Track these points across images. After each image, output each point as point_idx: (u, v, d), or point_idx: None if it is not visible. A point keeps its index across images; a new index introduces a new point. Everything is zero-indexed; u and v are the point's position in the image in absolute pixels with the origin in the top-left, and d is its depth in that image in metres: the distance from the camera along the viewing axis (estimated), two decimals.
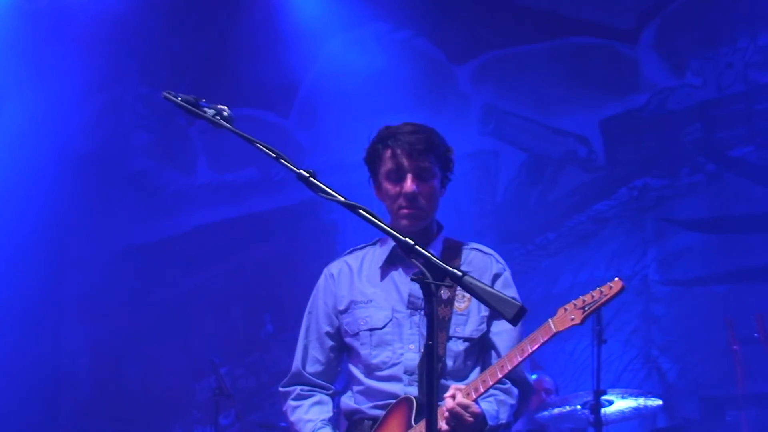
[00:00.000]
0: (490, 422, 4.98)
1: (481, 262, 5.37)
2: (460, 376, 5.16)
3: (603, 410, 8.06)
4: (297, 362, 5.52)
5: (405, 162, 5.27)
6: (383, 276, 5.41)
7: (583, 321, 4.87)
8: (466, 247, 5.45)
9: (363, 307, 5.35)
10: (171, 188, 12.52)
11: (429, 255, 4.11)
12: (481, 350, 5.23)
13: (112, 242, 12.56)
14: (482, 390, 4.88)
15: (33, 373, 11.98)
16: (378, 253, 5.52)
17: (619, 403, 8.36)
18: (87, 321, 12.55)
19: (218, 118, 4.58)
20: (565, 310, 4.90)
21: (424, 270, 4.08)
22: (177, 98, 4.60)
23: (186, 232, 12.41)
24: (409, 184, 5.24)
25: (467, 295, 5.07)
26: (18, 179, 11.52)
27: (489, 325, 5.24)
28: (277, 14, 11.72)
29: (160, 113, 12.31)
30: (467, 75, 11.66)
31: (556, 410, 8.63)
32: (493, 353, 5.22)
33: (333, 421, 5.36)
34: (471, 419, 4.84)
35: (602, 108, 11.12)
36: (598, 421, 8.03)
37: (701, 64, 10.84)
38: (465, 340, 5.19)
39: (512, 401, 5.14)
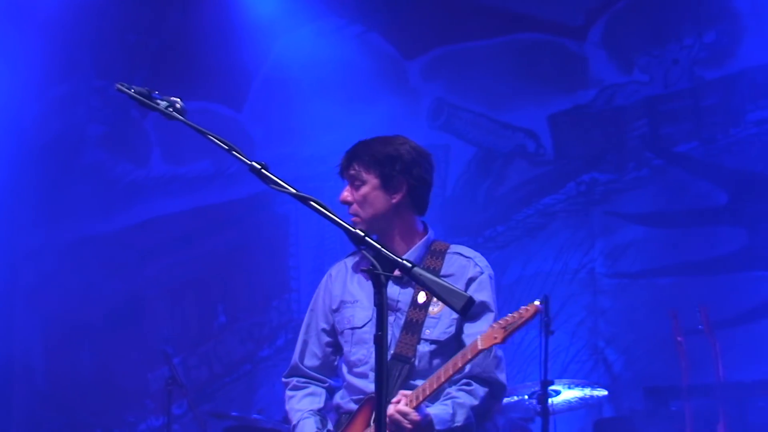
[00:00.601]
0: (438, 426, 5.04)
1: (460, 266, 5.41)
2: (428, 376, 5.15)
3: (550, 400, 8.09)
4: (296, 356, 5.66)
5: (342, 176, 5.44)
6: (369, 277, 5.36)
7: (503, 340, 4.94)
8: (450, 251, 5.49)
9: (350, 307, 5.46)
10: (125, 180, 12.47)
11: (378, 247, 4.13)
12: (453, 351, 5.20)
13: (66, 233, 12.49)
14: (421, 399, 4.96)
15: None
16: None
17: (565, 394, 8.40)
18: (40, 311, 12.49)
19: (171, 110, 4.57)
20: (492, 327, 4.96)
21: (374, 261, 4.09)
22: (130, 90, 4.59)
23: (139, 224, 12.37)
24: (341, 195, 5.42)
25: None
26: None
27: (461, 328, 5.28)
28: (230, 8, 11.70)
29: (115, 106, 12.27)
30: (418, 70, 11.67)
31: (505, 400, 8.65)
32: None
33: (323, 412, 5.50)
34: (410, 426, 4.92)
35: (551, 103, 11.15)
36: (545, 411, 8.05)
37: (648, 61, 10.88)
38: (432, 342, 5.23)
39: (474, 402, 5.16)
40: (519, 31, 11.36)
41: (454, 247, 5.50)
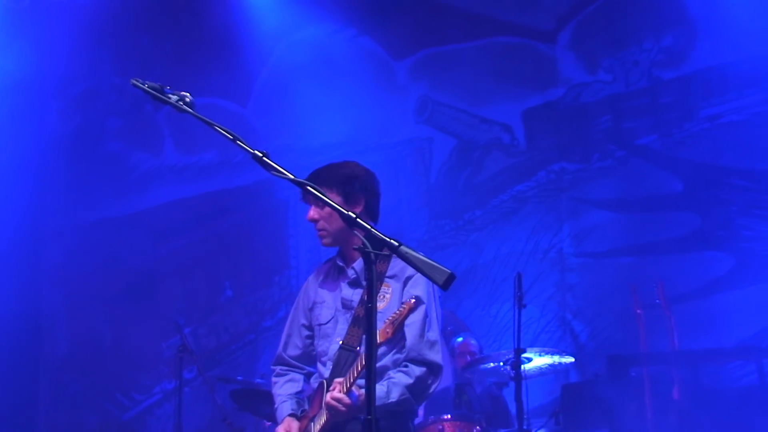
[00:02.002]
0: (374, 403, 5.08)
1: (401, 267, 5.47)
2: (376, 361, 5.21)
3: (523, 366, 8.07)
4: (280, 347, 5.86)
5: (304, 200, 5.56)
6: (334, 282, 5.67)
7: (393, 334, 5.09)
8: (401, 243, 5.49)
9: (319, 306, 5.67)
10: (140, 168, 12.45)
11: (369, 227, 4.13)
12: (396, 339, 5.31)
13: (87, 215, 12.49)
14: (351, 382, 5.11)
15: (15, 332, 11.91)
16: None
17: (536, 361, 8.38)
18: (64, 285, 12.48)
19: (181, 103, 4.56)
20: (385, 323, 5.09)
21: (365, 240, 4.08)
22: (144, 85, 4.58)
23: (153, 207, 12.35)
24: (308, 215, 5.58)
25: (386, 296, 5.34)
26: (2, 159, 11.41)
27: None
28: (236, 13, 11.66)
29: (131, 101, 12.25)
30: (405, 70, 11.65)
31: (481, 366, 8.65)
32: (406, 341, 5.36)
33: (301, 395, 5.70)
34: (344, 409, 5.11)
35: (524, 100, 11.14)
36: (518, 376, 8.04)
37: (611, 62, 10.87)
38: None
39: (409, 380, 5.29)
40: (496, 35, 11.33)
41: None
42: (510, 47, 11.28)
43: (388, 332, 5.01)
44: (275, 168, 4.37)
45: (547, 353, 8.59)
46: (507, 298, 8.75)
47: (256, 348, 11.71)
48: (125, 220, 12.40)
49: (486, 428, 8.15)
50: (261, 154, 4.36)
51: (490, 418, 8.46)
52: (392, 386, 5.21)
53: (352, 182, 5.47)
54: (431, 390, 5.41)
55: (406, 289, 5.41)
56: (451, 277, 4.05)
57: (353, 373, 5.08)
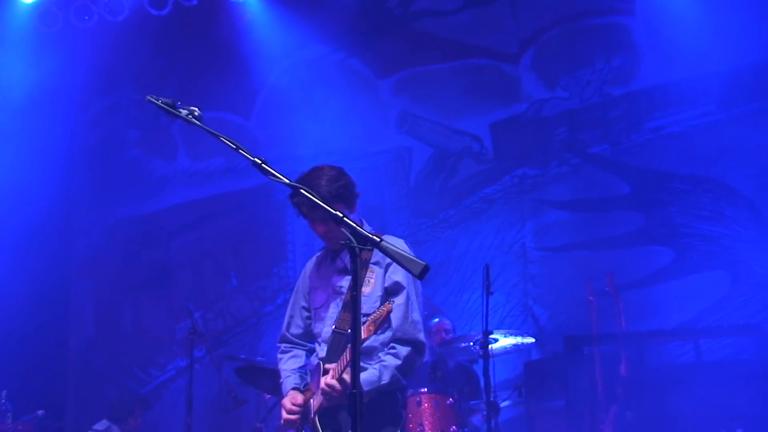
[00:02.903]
0: (367, 387, 5.13)
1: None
2: (363, 344, 5.22)
3: (490, 346, 8.07)
4: (284, 327, 5.81)
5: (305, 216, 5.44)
6: (327, 269, 5.62)
7: (375, 331, 5.03)
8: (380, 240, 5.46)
9: (314, 291, 5.64)
10: (156, 173, 12.41)
11: (354, 225, 4.15)
12: (383, 321, 5.20)
13: (111, 214, 12.45)
14: (343, 366, 5.08)
15: (48, 316, 11.89)
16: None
17: (502, 341, 8.39)
18: (90, 276, 12.44)
19: (190, 117, 4.56)
20: (368, 322, 5.03)
21: (350, 236, 4.10)
22: (158, 101, 4.58)
23: (168, 208, 12.31)
24: (316, 230, 5.49)
25: (371, 281, 5.28)
26: (37, 165, 11.40)
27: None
28: (240, 37, 11.65)
29: (149, 114, 12.20)
30: (388, 88, 11.63)
31: (454, 345, 8.66)
32: (392, 323, 5.32)
33: (303, 369, 5.64)
34: (336, 394, 5.09)
35: (491, 114, 11.14)
36: (486, 354, 8.04)
37: (568, 81, 10.88)
38: (364, 315, 5.18)
39: (397, 362, 5.26)
40: (467, 57, 11.34)
41: (384, 237, 5.44)
42: (479, 68, 11.28)
43: (371, 329, 4.97)
44: (273, 173, 4.40)
45: (511, 334, 8.60)
46: (476, 287, 8.73)
47: (258, 330, 11.69)
48: (143, 219, 12.37)
49: (458, 399, 8.15)
50: (260, 162, 4.39)
51: (462, 390, 8.45)
52: (383, 369, 5.21)
53: (346, 191, 5.42)
54: (417, 366, 5.41)
55: (387, 274, 5.41)
56: (425, 269, 4.08)
57: (345, 359, 5.07)
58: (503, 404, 8.41)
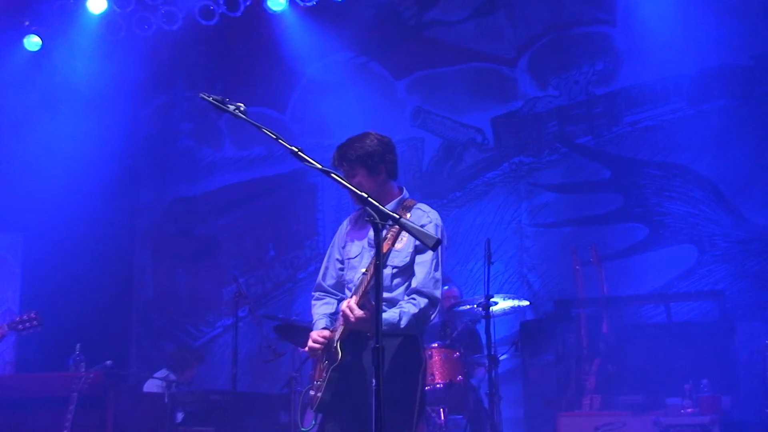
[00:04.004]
0: (386, 327, 4.97)
1: (418, 216, 5.34)
2: (389, 290, 5.19)
3: (491, 308, 8.06)
4: (319, 277, 5.65)
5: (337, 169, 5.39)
6: (362, 226, 5.48)
7: (392, 244, 4.98)
8: (415, 206, 5.42)
9: (350, 244, 5.48)
10: (206, 160, 12.44)
11: (377, 204, 4.14)
12: (408, 274, 5.21)
13: (167, 195, 12.51)
14: (362, 292, 4.98)
15: (114, 282, 11.98)
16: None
17: (501, 304, 8.36)
18: (150, 247, 12.51)
19: (237, 111, 4.55)
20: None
21: (373, 213, 4.10)
22: (209, 98, 4.57)
23: (216, 189, 12.34)
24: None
25: (404, 239, 5.10)
26: (106, 152, 11.45)
27: (413, 259, 5.22)
28: (277, 44, 11.64)
29: (199, 110, 12.25)
30: (403, 87, 11.61)
31: (460, 308, 8.64)
32: (415, 276, 5.21)
33: (333, 315, 5.45)
34: (353, 318, 4.93)
35: (492, 110, 11.10)
36: (488, 315, 8.03)
37: (558, 81, 10.84)
38: (393, 267, 5.17)
39: (415, 311, 5.09)
40: (471, 61, 11.30)
41: (418, 204, 5.45)
42: (481, 70, 11.24)
43: (389, 244, 4.91)
44: (307, 160, 4.42)
45: (509, 298, 8.57)
46: (479, 258, 8.74)
47: (293, 294, 11.71)
48: (194, 199, 12.40)
49: (464, 354, 8.14)
50: (297, 150, 4.39)
51: (467, 346, 8.45)
52: (402, 314, 5.05)
53: (372, 157, 5.34)
54: (431, 319, 5.26)
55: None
56: (438, 242, 4.07)
57: (363, 285, 4.97)
58: (502, 357, 8.38)
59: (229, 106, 4.60)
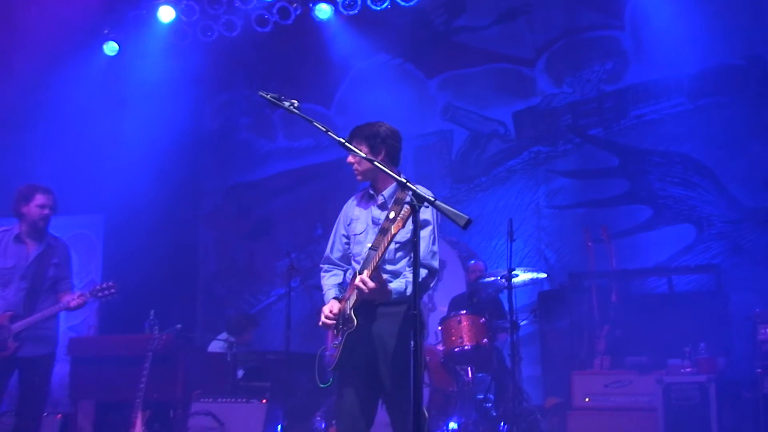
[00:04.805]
0: (395, 295, 5.06)
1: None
2: (393, 263, 5.20)
3: (513, 280, 8.05)
4: (327, 250, 5.63)
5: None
6: (366, 204, 5.48)
7: (402, 226, 4.73)
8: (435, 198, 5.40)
9: (355, 221, 5.45)
10: (262, 150, 12.46)
11: (414, 188, 4.14)
12: (408, 248, 5.17)
13: (228, 180, 12.55)
14: (374, 266, 4.92)
15: (181, 257, 12.05)
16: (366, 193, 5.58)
17: (522, 276, 8.35)
18: (213, 226, 12.56)
19: (292, 107, 4.56)
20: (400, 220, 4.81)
21: (412, 197, 4.09)
22: (268, 95, 4.59)
23: (271, 176, 12.36)
24: (348, 159, 5.46)
25: (405, 216, 4.92)
26: (174, 143, 11.52)
27: (415, 235, 5.21)
28: (324, 48, 11.61)
29: (256, 106, 12.27)
30: (435, 85, 11.57)
31: (485, 280, 8.63)
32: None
33: (342, 285, 5.44)
34: (366, 290, 4.90)
35: (514, 105, 11.04)
36: (510, 286, 8.02)
37: (572, 80, 10.77)
38: (396, 242, 5.14)
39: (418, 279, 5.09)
40: (494, 62, 11.23)
41: (415, 186, 5.40)
42: (504, 70, 11.17)
43: (399, 226, 4.76)
44: (351, 149, 4.45)
45: (528, 271, 8.56)
46: (502, 235, 8.70)
47: None
48: (252, 184, 12.43)
49: (489, 320, 8.14)
50: (343, 140, 4.41)
51: (492, 313, 8.45)
52: (408, 284, 5.07)
53: (374, 138, 5.33)
54: (431, 286, 5.29)
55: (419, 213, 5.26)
56: (469, 221, 4.04)
57: (374, 260, 4.94)
58: (522, 323, 8.37)
59: (285, 102, 4.63)
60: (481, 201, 10.89)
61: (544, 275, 8.67)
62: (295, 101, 4.65)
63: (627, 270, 9.40)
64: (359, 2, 10.88)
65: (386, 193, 5.39)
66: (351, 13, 11.00)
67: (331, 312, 5.23)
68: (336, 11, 11.11)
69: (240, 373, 9.21)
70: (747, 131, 9.65)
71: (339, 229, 5.60)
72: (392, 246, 5.13)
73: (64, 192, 7.52)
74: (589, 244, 9.36)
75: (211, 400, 8.13)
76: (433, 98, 11.53)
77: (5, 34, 10.22)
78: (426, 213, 5.25)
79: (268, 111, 12.22)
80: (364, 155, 4.75)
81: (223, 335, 9.97)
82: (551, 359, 9.26)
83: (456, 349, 8.00)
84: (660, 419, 7.12)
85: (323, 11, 11.11)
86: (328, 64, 11.72)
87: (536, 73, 10.98)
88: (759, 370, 7.19)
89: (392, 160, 5.44)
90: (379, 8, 10.90)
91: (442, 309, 9.05)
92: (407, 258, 5.23)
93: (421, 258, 5.09)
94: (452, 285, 9.33)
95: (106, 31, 11.36)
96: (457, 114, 11.38)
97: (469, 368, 8.19)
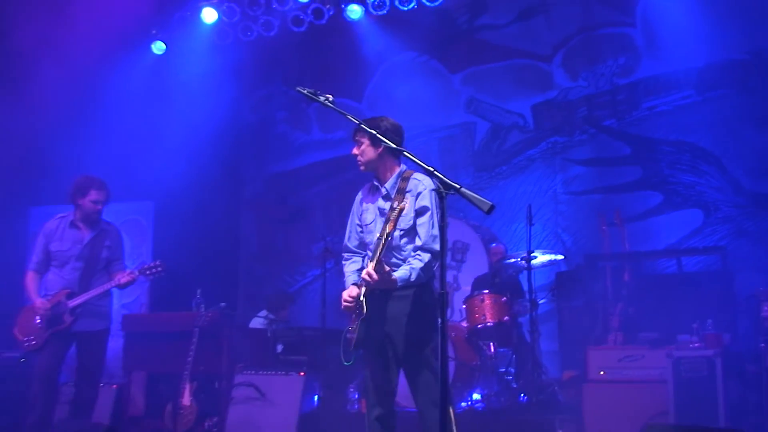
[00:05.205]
0: (400, 282, 5.11)
1: (414, 185, 5.34)
2: (397, 249, 5.26)
3: (532, 261, 8.07)
4: (345, 239, 5.69)
5: (352, 139, 5.50)
6: (372, 196, 5.51)
7: (395, 226, 4.91)
8: (412, 176, 5.41)
9: (365, 212, 5.50)
10: (298, 142, 12.50)
11: (442, 177, 4.16)
12: (412, 235, 5.25)
13: (267, 169, 12.60)
14: (377, 259, 4.98)
15: (225, 240, 12.15)
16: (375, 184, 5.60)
17: (541, 258, 8.37)
18: (254, 212, 12.63)
19: (327, 102, 4.60)
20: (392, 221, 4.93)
21: (439, 184, 4.11)
22: (304, 90, 4.64)
23: (306, 165, 12.40)
24: (352, 150, 5.53)
25: (406, 205, 5.01)
26: (217, 135, 11.59)
27: (416, 221, 5.25)
28: (355, 46, 11.61)
29: (293, 101, 12.31)
30: (458, 80, 11.54)
31: (507, 261, 8.65)
32: (418, 236, 5.25)
33: (359, 272, 5.46)
34: (371, 282, 4.99)
35: (532, 98, 11.00)
36: (529, 267, 8.05)
37: (587, 74, 10.72)
38: (401, 229, 5.21)
39: (421, 264, 5.16)
40: (514, 58, 11.19)
41: (414, 174, 5.41)
42: (523, 65, 11.13)
43: (392, 225, 4.89)
44: (383, 140, 4.47)
45: (546, 253, 8.58)
46: (522, 220, 8.69)
47: None
48: (290, 173, 12.48)
49: (510, 298, 8.17)
50: (375, 132, 4.43)
51: (512, 292, 8.47)
52: (412, 270, 5.13)
53: (376, 130, 5.27)
54: (434, 268, 5.29)
55: (417, 200, 5.28)
56: (492, 207, 4.06)
57: (377, 252, 5.00)
58: (541, 302, 8.41)
59: (320, 97, 4.67)
60: (502, 188, 10.88)
61: (561, 257, 8.67)
62: (330, 96, 4.69)
63: (639, 252, 9.39)
64: (388, 3, 10.88)
65: (388, 184, 5.43)
66: (380, 13, 11.01)
67: (350, 296, 5.29)
68: (366, 11, 11.12)
69: (279, 347, 9.30)
70: (751, 122, 9.59)
71: (353, 219, 5.66)
72: (396, 233, 5.20)
73: (116, 181, 7.62)
74: (604, 227, 9.35)
75: (253, 372, 8.22)
76: (457, 92, 11.51)
77: (66, 36, 10.33)
78: (425, 199, 5.30)
79: (304, 105, 12.25)
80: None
81: (263, 312, 10.06)
82: (568, 335, 9.25)
83: (479, 326, 8.05)
84: (670, 391, 7.10)
85: (354, 12, 11.12)
86: (359, 61, 11.73)
87: (553, 68, 10.93)
88: (762, 345, 7.16)
89: (392, 153, 5.44)
90: (406, 8, 10.89)
91: (466, 288, 9.08)
92: (413, 244, 5.29)
93: (423, 243, 5.20)
94: (475, 266, 9.37)
95: (154, 32, 11.46)
96: (479, 107, 11.37)
97: (491, 343, 8.24)
